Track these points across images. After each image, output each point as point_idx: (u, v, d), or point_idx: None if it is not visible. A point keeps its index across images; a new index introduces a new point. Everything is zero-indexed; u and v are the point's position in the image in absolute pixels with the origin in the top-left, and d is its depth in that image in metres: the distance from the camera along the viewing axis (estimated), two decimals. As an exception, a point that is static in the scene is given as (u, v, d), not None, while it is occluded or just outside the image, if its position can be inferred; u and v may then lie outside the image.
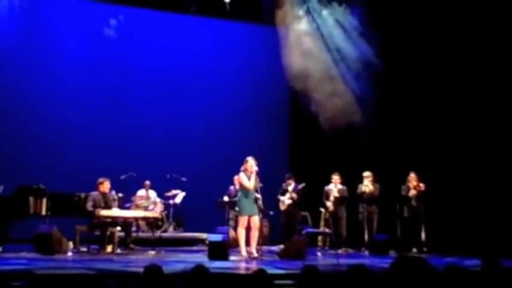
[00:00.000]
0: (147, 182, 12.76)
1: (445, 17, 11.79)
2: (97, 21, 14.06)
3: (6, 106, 12.94)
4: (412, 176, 11.48)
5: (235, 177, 10.80)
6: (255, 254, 9.67)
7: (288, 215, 12.11)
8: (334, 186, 11.99)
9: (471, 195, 11.14)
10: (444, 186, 11.45)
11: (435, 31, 11.94)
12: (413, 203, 11.40)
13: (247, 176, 9.79)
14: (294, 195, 11.99)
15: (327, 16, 13.95)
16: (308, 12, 14.09)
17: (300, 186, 11.94)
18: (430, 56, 12.06)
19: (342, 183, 12.02)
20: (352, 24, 13.41)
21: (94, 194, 10.39)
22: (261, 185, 9.90)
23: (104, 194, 10.45)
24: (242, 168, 9.88)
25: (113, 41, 14.13)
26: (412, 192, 11.43)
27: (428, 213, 11.35)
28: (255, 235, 9.75)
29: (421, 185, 11.38)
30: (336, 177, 12.00)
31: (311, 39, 13.79)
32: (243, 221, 9.73)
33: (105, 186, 10.50)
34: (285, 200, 12.06)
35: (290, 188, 12.08)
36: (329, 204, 11.87)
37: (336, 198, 11.87)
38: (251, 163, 9.82)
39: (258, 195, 9.82)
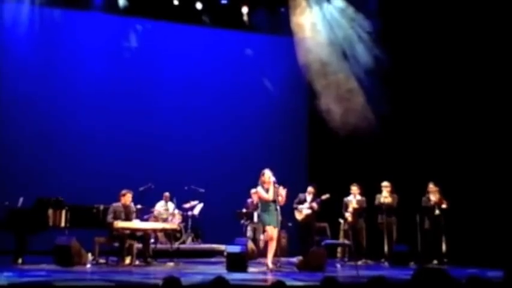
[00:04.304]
0: (167, 194, 12.78)
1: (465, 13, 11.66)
2: (115, 34, 14.22)
3: (25, 119, 13.05)
4: (432, 187, 11.36)
5: (252, 191, 10.74)
6: (271, 266, 9.61)
7: (306, 226, 12.02)
8: (353, 197, 11.91)
9: (493, 206, 10.99)
10: (465, 196, 11.33)
11: (458, 38, 11.80)
12: (436, 211, 11.26)
13: (265, 189, 9.73)
14: (315, 205, 11.89)
15: (340, 18, 13.98)
16: (322, 16, 14.17)
17: (324, 197, 11.83)
18: (452, 63, 11.93)
19: (361, 194, 11.94)
20: (366, 27, 13.40)
21: (115, 205, 10.40)
22: (279, 196, 9.84)
23: (125, 206, 10.46)
24: (259, 181, 9.82)
25: (132, 53, 14.30)
26: (435, 208, 11.29)
27: (449, 224, 11.22)
28: (272, 247, 9.67)
29: (444, 201, 11.25)
30: (354, 188, 11.92)
31: (326, 43, 13.84)
32: (269, 231, 9.63)
33: (127, 198, 10.51)
34: (303, 210, 11.97)
35: (309, 198, 12.00)
36: (348, 215, 11.79)
37: (354, 209, 11.78)
38: (268, 175, 9.74)
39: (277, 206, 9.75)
